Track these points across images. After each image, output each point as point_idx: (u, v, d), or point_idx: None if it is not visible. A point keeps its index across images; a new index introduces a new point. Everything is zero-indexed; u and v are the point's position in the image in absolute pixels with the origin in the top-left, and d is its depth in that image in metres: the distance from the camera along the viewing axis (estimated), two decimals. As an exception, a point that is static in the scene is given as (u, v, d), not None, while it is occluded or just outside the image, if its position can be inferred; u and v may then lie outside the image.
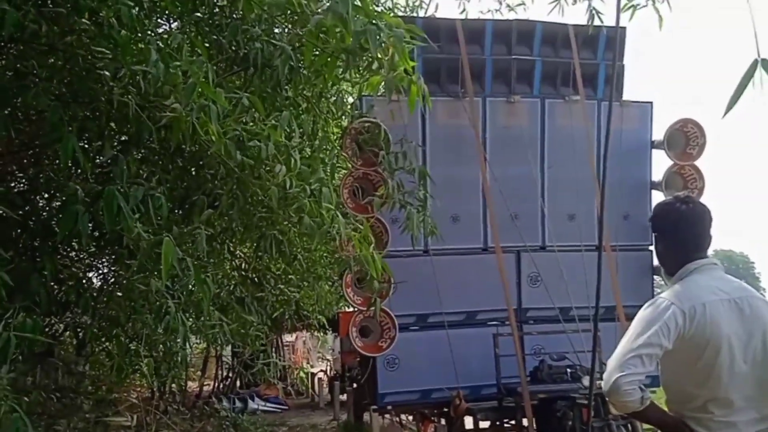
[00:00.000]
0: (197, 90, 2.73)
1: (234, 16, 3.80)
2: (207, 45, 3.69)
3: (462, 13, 6.97)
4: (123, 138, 3.71)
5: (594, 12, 5.30)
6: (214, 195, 3.68)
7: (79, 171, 3.40)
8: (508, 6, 7.17)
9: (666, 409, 2.51)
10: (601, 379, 2.42)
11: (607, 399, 2.40)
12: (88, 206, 2.81)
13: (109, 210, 2.66)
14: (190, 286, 3.44)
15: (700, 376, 2.32)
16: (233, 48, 3.76)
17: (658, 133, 6.75)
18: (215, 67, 3.37)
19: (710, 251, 2.57)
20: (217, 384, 13.75)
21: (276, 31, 3.99)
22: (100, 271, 5.30)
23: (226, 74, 3.81)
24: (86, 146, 3.39)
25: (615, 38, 6.45)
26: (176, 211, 3.89)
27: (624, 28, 6.52)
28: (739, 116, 1.73)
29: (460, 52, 6.23)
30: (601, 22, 5.40)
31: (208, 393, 12.99)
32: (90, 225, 3.44)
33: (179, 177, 3.82)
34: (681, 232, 2.48)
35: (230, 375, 13.96)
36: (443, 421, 6.61)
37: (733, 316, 2.32)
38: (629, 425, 5.48)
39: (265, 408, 13.23)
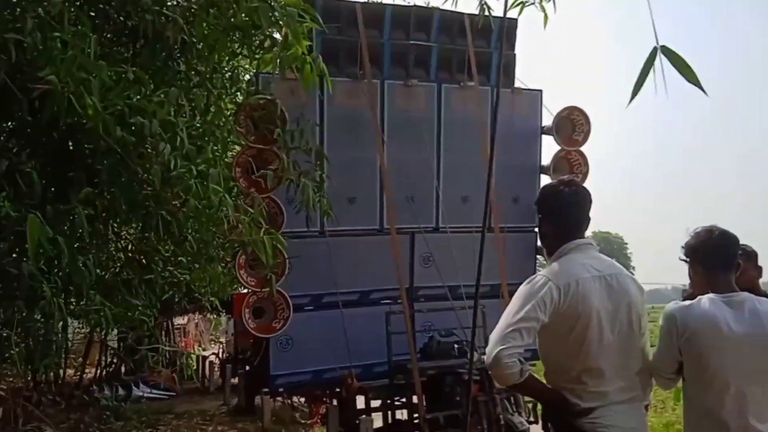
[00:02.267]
0: (77, 62, 2.52)
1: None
2: (93, 14, 3.42)
3: (364, -4, 6.91)
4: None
5: (485, 5, 5.43)
6: (94, 172, 3.44)
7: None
8: (409, -8, 7.20)
9: (545, 381, 2.68)
10: (484, 353, 2.55)
11: (489, 371, 2.55)
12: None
13: None
14: (67, 269, 3.21)
15: (573, 347, 2.49)
16: (122, 18, 3.52)
17: (548, 120, 7.09)
18: (102, 38, 3.15)
19: (588, 232, 2.76)
20: (99, 371, 13.05)
21: (169, 3, 3.77)
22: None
23: (113, 46, 3.57)
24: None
25: (508, 27, 6.69)
26: (51, 188, 3.61)
27: (515, 20, 6.74)
28: (635, 105, 1.79)
29: (359, 35, 6.21)
30: (491, 16, 5.54)
31: (90, 381, 12.32)
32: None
33: (54, 152, 3.54)
34: (562, 213, 2.66)
35: (114, 361, 13.30)
36: (335, 402, 6.67)
37: (603, 292, 2.51)
38: (512, 398, 5.77)
39: (152, 395, 12.71)
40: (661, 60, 1.70)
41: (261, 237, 3.58)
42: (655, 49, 1.70)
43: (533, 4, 4.25)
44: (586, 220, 2.70)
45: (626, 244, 71.22)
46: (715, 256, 2.59)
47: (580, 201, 2.67)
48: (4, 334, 4.10)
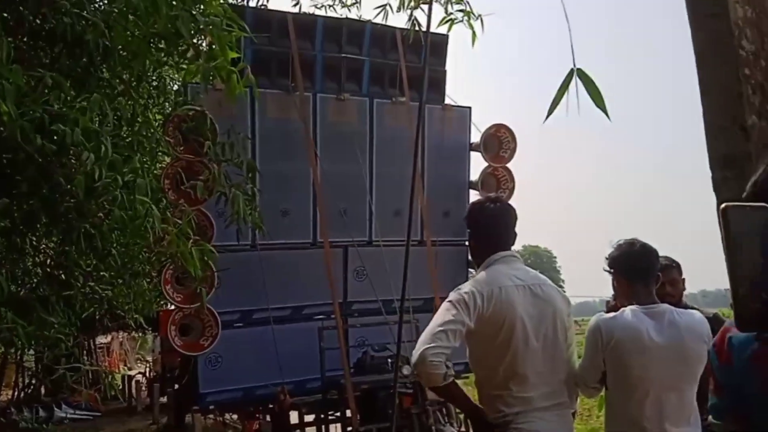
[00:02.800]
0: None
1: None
2: (6, 16, 3.27)
3: (295, 6, 6.91)
4: None
5: (415, 21, 5.55)
6: (12, 182, 3.27)
7: None
8: (342, 2, 7.22)
9: (476, 393, 2.74)
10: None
11: (414, 371, 2.60)
12: None
13: None
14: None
15: (499, 353, 2.59)
16: (38, 21, 3.38)
17: (477, 137, 7.25)
18: (17, 41, 3.00)
19: (518, 246, 2.91)
20: (17, 393, 12.37)
21: (90, 7, 3.65)
22: None
23: (30, 50, 3.41)
24: None
25: (439, 43, 6.82)
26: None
27: (446, 36, 6.90)
28: (556, 121, 1.88)
29: (291, 46, 6.18)
30: (421, 32, 5.65)
31: (6, 403, 11.65)
32: None
33: (-34, 161, 3.35)
34: (488, 228, 2.78)
35: (33, 382, 12.63)
36: (268, 418, 6.55)
37: (527, 300, 2.62)
38: (444, 410, 5.83)
39: (75, 416, 12.16)
40: (576, 82, 1.79)
41: (189, 248, 3.49)
42: (571, 71, 1.78)
43: (461, 21, 4.37)
44: (512, 235, 2.81)
45: (555, 257, 73.57)
46: (636, 268, 2.71)
47: (505, 216, 2.79)
48: None
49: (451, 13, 4.73)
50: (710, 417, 1.62)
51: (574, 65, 1.81)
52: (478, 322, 2.55)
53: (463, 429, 5.83)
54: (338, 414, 6.08)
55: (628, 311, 2.65)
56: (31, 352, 11.04)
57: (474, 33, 4.71)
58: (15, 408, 11.05)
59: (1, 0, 3.33)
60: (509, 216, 2.80)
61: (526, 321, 2.57)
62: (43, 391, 12.82)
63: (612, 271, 2.78)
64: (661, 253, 2.83)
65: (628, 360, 2.58)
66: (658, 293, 2.74)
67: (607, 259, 2.79)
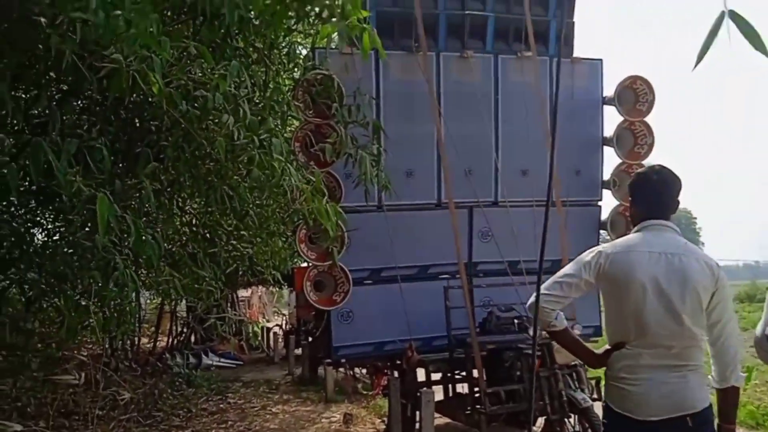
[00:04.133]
0: (140, 40, 2.61)
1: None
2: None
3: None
4: (63, 88, 3.54)
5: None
6: (159, 147, 3.57)
7: (15, 122, 3.25)
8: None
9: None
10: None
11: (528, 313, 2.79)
12: (14, 158, 2.69)
13: (35, 162, 2.55)
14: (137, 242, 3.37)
15: (617, 309, 2.69)
16: (181, -4, 3.60)
17: (610, 90, 6.86)
18: (162, 17, 3.23)
19: None
20: (171, 340, 13.67)
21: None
22: (44, 227, 5.14)
23: (173, 24, 3.66)
24: (23, 96, 3.24)
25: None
26: (119, 164, 3.77)
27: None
28: (700, 71, 1.74)
29: (413, 7, 6.14)
30: None
31: (162, 349, 12.92)
32: (27, 179, 3.31)
33: (121, 129, 3.68)
34: (645, 197, 2.80)
35: (185, 331, 13.89)
36: (396, 374, 6.75)
37: (658, 266, 2.62)
38: (574, 374, 5.70)
39: (220, 363, 13.25)
40: (728, 25, 1.64)
41: (324, 205, 3.64)
42: (722, 14, 1.63)
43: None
44: (671, 205, 2.79)
45: (695, 218, 68.51)
46: None
47: (663, 187, 2.78)
48: (83, 303, 4.35)
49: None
50: None
51: (726, 6, 1.65)
52: (598, 278, 2.70)
53: (594, 395, 5.68)
54: (464, 373, 6.14)
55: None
56: (184, 302, 12.14)
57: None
58: (169, 354, 12.23)
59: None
60: (667, 186, 2.78)
61: (646, 283, 2.60)
62: (192, 339, 14.06)
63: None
64: None
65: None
66: None
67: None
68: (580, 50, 6.90)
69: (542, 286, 2.68)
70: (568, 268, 2.77)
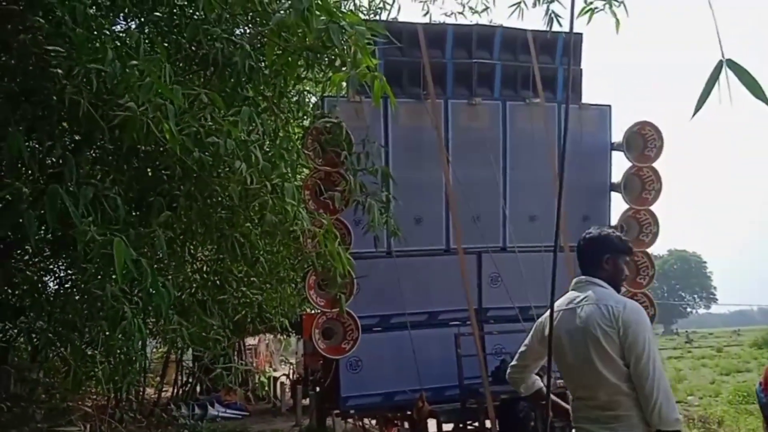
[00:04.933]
0: (153, 88, 2.66)
1: (194, 16, 3.73)
2: (166, 45, 3.61)
3: (425, 15, 7.01)
4: (76, 138, 3.59)
5: (553, 15, 5.38)
6: (172, 196, 3.59)
7: (30, 172, 3.29)
8: (471, 9, 7.22)
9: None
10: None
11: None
12: (31, 205, 2.71)
13: (52, 209, 2.57)
14: (150, 290, 3.36)
15: (559, 367, 2.94)
16: (193, 48, 3.69)
17: (618, 136, 6.90)
18: (175, 67, 3.30)
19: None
20: (176, 390, 13.49)
21: (237, 31, 3.93)
22: (57, 275, 5.14)
23: (185, 74, 3.73)
24: (37, 146, 3.28)
25: (574, 42, 6.59)
26: (133, 213, 3.79)
27: (581, 34, 6.65)
28: (701, 119, 1.75)
29: (421, 56, 6.26)
30: (560, 25, 5.50)
31: (167, 399, 12.73)
32: (43, 228, 3.32)
33: (134, 178, 3.72)
34: (578, 258, 3.04)
35: (190, 380, 13.70)
36: (406, 425, 6.61)
37: (570, 321, 2.80)
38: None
39: (226, 414, 13.03)
40: (726, 73, 1.66)
41: (336, 248, 3.65)
42: (720, 62, 1.66)
43: (602, 10, 4.20)
44: (597, 264, 2.92)
45: (705, 262, 67.96)
46: None
47: (588, 247, 2.98)
48: (89, 353, 4.31)
49: (591, 2, 4.55)
50: None
51: (723, 56, 1.68)
52: (541, 341, 2.92)
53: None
54: (476, 424, 6.00)
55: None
56: (190, 352, 12.01)
57: (617, 20, 4.49)
58: (174, 404, 12.04)
59: (163, 31, 3.68)
60: (591, 248, 2.96)
61: (563, 338, 2.79)
62: (198, 389, 13.86)
63: None
64: None
65: None
66: None
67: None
68: (588, 96, 6.99)
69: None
70: (527, 338, 3.08)
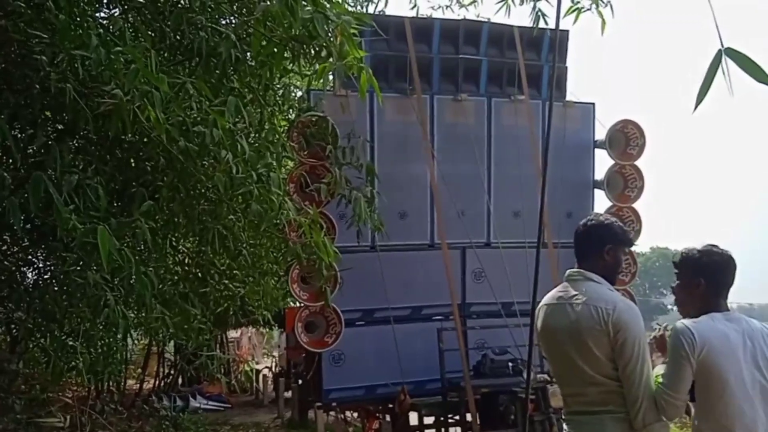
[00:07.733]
0: (139, 75, 2.64)
1: (179, 4, 3.70)
2: (151, 33, 3.57)
3: (413, 9, 6.99)
4: (59, 127, 3.56)
5: (539, 13, 5.41)
6: (155, 187, 3.57)
7: (12, 161, 3.25)
8: (459, 3, 7.20)
9: None
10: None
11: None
12: (13, 193, 2.68)
13: (35, 197, 2.54)
14: (132, 279, 3.35)
15: (550, 363, 3.00)
16: (177, 37, 3.66)
17: (601, 134, 6.96)
18: (159, 56, 3.27)
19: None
20: (158, 382, 13.41)
21: (223, 22, 3.90)
22: (36, 265, 5.08)
23: (170, 63, 3.70)
24: (19, 135, 3.25)
25: (560, 39, 6.61)
26: (115, 203, 3.76)
27: (567, 31, 6.69)
28: (695, 115, 1.73)
29: (408, 50, 6.26)
30: (546, 23, 5.52)
31: (149, 391, 12.66)
32: (22, 217, 3.29)
33: (117, 168, 3.69)
34: (574, 249, 2.99)
35: (172, 372, 13.64)
36: (388, 417, 6.64)
37: (561, 315, 2.75)
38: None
39: (208, 406, 12.97)
40: (726, 63, 1.63)
41: (322, 238, 3.64)
42: (719, 52, 1.63)
43: (589, 9, 4.21)
44: (590, 255, 2.88)
45: (686, 261, 68.40)
46: (726, 281, 2.71)
47: (583, 239, 2.95)
48: (70, 344, 4.27)
49: (578, 2, 4.57)
50: None
51: (722, 45, 1.65)
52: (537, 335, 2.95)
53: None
54: (458, 417, 6.04)
55: (708, 318, 2.62)
56: (172, 343, 11.95)
57: (603, 21, 4.51)
58: (155, 396, 11.97)
59: (147, 19, 3.64)
60: (595, 234, 2.91)
61: (556, 334, 2.76)
62: (180, 381, 13.80)
63: (701, 280, 2.69)
64: None
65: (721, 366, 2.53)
66: None
67: (691, 265, 2.73)
68: (574, 93, 7.04)
69: None
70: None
